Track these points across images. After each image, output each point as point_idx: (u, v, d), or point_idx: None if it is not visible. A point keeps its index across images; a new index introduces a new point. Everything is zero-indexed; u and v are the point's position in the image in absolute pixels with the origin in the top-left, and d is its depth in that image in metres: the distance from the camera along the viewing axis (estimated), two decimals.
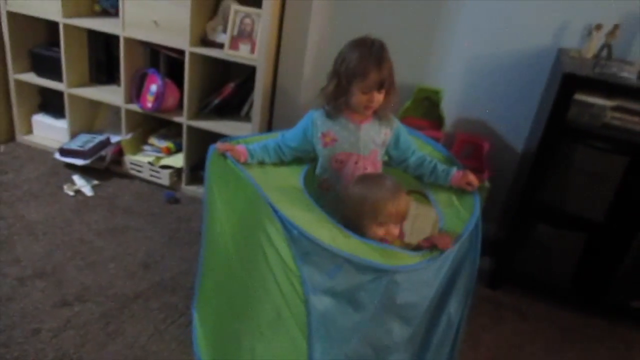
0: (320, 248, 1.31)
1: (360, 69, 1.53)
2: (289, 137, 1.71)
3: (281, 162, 1.73)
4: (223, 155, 1.63)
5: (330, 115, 1.65)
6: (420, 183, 1.73)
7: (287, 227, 1.35)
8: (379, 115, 1.65)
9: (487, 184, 2.35)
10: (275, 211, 1.38)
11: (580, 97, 1.96)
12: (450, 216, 1.58)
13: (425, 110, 2.49)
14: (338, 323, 1.35)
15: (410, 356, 1.52)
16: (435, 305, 1.52)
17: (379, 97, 1.58)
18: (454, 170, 1.67)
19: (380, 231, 1.46)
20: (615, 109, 1.97)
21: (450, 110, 2.51)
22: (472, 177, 1.65)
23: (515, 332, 2.11)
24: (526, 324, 2.17)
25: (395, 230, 1.48)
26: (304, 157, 1.76)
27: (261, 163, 1.69)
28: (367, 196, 1.46)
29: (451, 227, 1.52)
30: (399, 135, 1.70)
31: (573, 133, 2.02)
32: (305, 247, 1.33)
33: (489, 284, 2.33)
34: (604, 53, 2.10)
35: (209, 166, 1.68)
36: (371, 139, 1.66)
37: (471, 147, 2.50)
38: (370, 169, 1.68)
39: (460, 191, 1.67)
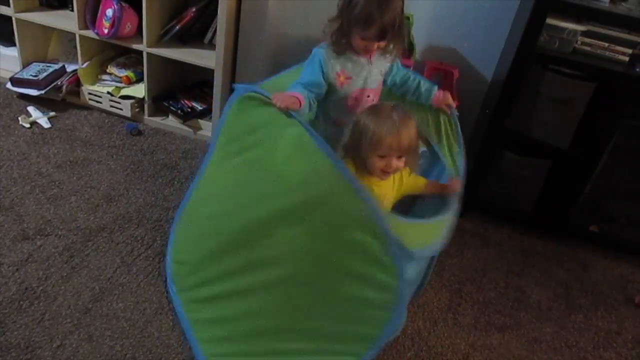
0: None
1: (363, 17, 1.47)
2: (311, 80, 1.58)
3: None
4: (273, 106, 1.39)
5: (337, 52, 1.60)
6: (404, 101, 1.73)
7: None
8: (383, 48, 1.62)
9: (456, 112, 2.33)
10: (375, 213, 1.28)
11: (552, 21, 1.93)
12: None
13: None
14: None
15: None
16: None
17: (380, 45, 1.55)
18: (436, 90, 1.69)
19: (381, 163, 1.46)
20: (586, 34, 1.95)
21: (420, 37, 2.45)
22: (450, 99, 1.69)
23: (479, 257, 2.17)
24: (489, 250, 2.23)
25: (397, 163, 1.46)
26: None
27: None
28: (369, 127, 1.44)
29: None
30: (397, 64, 1.70)
31: (543, 59, 2.00)
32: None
33: None
34: None
35: (229, 113, 1.48)
36: (379, 71, 1.66)
37: (441, 75, 2.46)
38: (377, 100, 1.68)
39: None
